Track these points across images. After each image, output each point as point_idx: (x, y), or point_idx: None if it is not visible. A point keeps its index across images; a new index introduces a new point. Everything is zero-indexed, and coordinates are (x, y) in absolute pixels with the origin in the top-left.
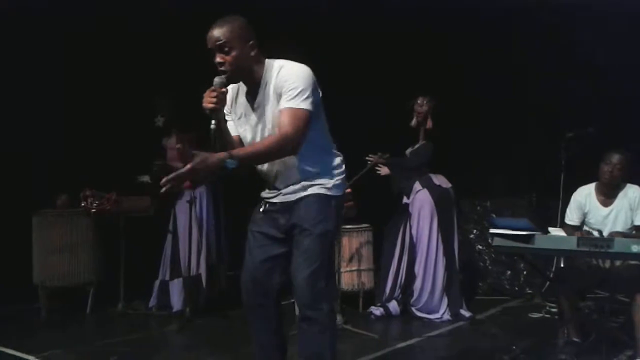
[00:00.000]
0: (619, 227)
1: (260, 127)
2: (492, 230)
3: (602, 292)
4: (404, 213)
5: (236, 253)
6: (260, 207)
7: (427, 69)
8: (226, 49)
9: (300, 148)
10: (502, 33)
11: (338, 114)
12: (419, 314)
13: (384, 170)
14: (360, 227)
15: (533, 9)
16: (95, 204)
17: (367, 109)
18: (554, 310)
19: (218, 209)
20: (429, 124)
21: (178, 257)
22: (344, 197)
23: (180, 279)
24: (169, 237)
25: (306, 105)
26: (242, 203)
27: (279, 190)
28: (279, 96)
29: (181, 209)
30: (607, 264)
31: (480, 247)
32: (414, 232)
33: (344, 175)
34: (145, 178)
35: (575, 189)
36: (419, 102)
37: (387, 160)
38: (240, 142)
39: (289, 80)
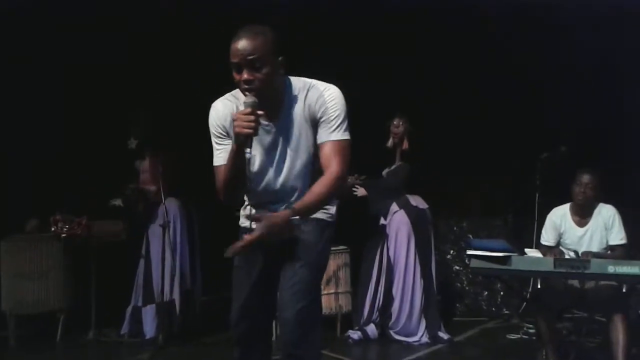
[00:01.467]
0: (595, 247)
1: (279, 151)
2: (469, 252)
3: (579, 312)
4: (381, 234)
5: (210, 278)
6: (246, 231)
7: (400, 92)
8: (258, 65)
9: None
10: (480, 49)
11: None
12: (397, 337)
13: (360, 192)
14: (337, 249)
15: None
16: (65, 229)
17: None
18: (531, 331)
19: (192, 233)
20: (405, 144)
21: (151, 283)
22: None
23: (154, 305)
24: (142, 262)
25: (348, 134)
26: (216, 227)
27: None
28: (313, 121)
29: (154, 233)
30: (586, 284)
31: (457, 267)
32: (391, 253)
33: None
34: (118, 202)
35: (550, 209)
36: (395, 122)
37: (363, 181)
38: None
39: (330, 107)
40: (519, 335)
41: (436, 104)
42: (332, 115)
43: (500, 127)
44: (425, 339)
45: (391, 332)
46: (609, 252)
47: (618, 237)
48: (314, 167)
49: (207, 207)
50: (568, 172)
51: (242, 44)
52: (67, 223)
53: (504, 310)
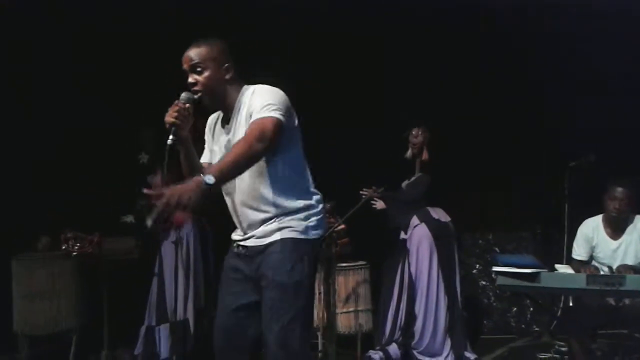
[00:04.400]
0: (629, 261)
1: (230, 148)
2: (495, 269)
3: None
4: (402, 249)
5: None
6: (233, 249)
7: (422, 97)
8: (199, 69)
9: (271, 149)
10: (504, 57)
11: (330, 146)
12: (420, 357)
13: (379, 205)
14: (357, 265)
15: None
16: (76, 247)
17: (361, 140)
18: (563, 349)
19: (206, 249)
20: (425, 155)
21: (164, 302)
22: (320, 240)
23: (167, 325)
24: (155, 280)
25: (275, 114)
26: (230, 242)
27: (249, 233)
28: (250, 118)
29: (167, 250)
30: (621, 301)
31: (484, 282)
32: (412, 269)
33: (321, 215)
34: (129, 218)
35: (580, 220)
36: (413, 132)
37: (382, 193)
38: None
39: (258, 99)
40: (550, 354)
41: (459, 112)
42: (257, 103)
43: (526, 136)
44: (450, 359)
45: (414, 352)
46: None
47: None
48: (279, 172)
49: (220, 223)
50: (598, 182)
51: (187, 52)
52: (78, 241)
53: (534, 327)
